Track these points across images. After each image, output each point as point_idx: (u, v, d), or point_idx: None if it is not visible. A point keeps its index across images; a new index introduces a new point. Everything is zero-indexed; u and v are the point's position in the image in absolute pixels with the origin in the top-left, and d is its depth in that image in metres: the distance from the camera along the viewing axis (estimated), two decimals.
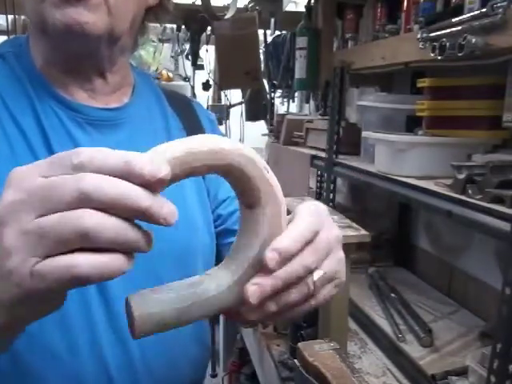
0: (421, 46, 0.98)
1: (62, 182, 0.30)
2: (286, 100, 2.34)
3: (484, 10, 0.79)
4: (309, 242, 0.41)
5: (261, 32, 2.10)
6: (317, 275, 0.41)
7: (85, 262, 0.30)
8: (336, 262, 0.44)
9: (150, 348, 0.59)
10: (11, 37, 0.72)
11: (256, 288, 0.38)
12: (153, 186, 0.31)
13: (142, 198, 0.31)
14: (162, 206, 0.31)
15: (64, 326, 0.55)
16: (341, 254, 0.46)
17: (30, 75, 0.61)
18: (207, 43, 2.31)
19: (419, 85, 1.11)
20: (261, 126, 2.57)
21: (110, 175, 0.31)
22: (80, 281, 0.31)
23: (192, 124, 0.75)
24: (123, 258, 0.32)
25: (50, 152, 0.58)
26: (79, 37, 0.56)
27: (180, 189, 0.65)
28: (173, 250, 0.61)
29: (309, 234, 0.40)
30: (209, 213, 0.72)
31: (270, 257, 0.38)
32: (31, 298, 0.32)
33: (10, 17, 1.96)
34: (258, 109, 2.45)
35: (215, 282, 0.40)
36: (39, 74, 0.61)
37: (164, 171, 0.31)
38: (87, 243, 0.30)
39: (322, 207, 0.45)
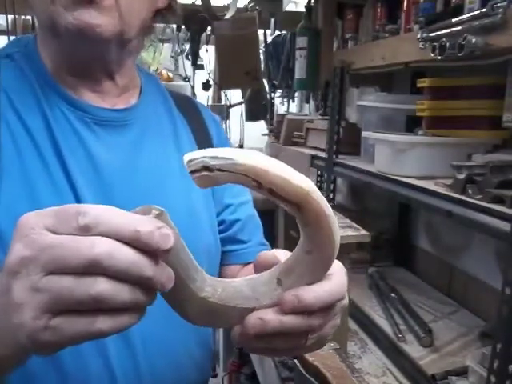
0: (421, 46, 0.97)
1: (74, 246, 0.32)
2: (286, 100, 2.34)
3: (484, 10, 0.79)
4: (328, 307, 0.41)
5: (261, 32, 2.10)
6: (312, 335, 0.41)
7: (103, 322, 0.33)
8: (332, 326, 0.44)
9: (154, 349, 0.59)
10: (15, 37, 0.72)
11: (259, 322, 0.38)
12: (156, 254, 0.33)
13: (146, 270, 0.33)
14: (162, 275, 0.34)
15: None
16: (338, 322, 0.46)
17: (38, 75, 0.61)
18: (207, 43, 2.31)
19: (419, 85, 1.11)
20: (261, 126, 2.57)
21: (117, 240, 0.32)
22: (97, 337, 0.33)
23: (198, 125, 0.75)
24: (136, 313, 0.34)
25: (57, 152, 0.58)
26: (90, 39, 0.56)
27: (186, 188, 0.66)
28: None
29: (333, 301, 0.41)
30: (213, 214, 0.72)
31: (289, 300, 0.38)
32: (44, 346, 0.34)
33: (10, 17, 1.96)
34: (258, 109, 2.44)
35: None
36: (48, 75, 0.61)
37: (169, 244, 0.33)
38: (101, 306, 0.32)
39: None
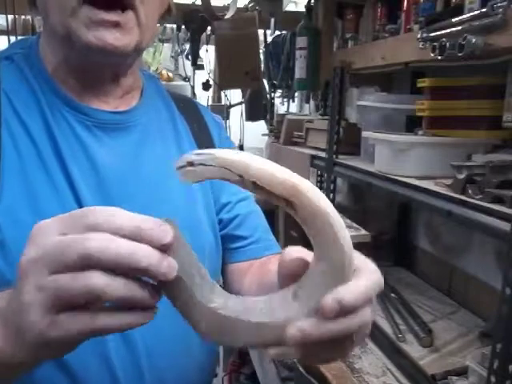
0: (421, 46, 0.97)
1: (71, 242, 0.33)
2: (286, 100, 2.34)
3: (484, 9, 0.79)
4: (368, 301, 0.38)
5: (261, 32, 2.10)
6: (358, 333, 0.38)
7: (104, 318, 0.34)
8: (372, 316, 0.40)
9: (156, 350, 0.59)
10: (20, 38, 0.72)
11: (299, 334, 0.35)
12: (160, 248, 0.35)
13: (142, 260, 0.33)
14: (161, 264, 0.34)
15: None
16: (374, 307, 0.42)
17: (39, 77, 0.60)
18: (207, 43, 2.31)
19: (419, 85, 1.11)
20: (261, 126, 2.57)
21: (120, 236, 0.34)
22: (100, 333, 0.35)
23: (199, 127, 0.75)
24: (142, 314, 0.36)
25: (58, 155, 0.57)
26: (110, 56, 0.56)
27: (187, 190, 0.66)
28: None
29: (371, 293, 0.38)
30: (213, 213, 0.71)
31: (330, 306, 0.35)
32: (53, 344, 0.35)
33: (10, 17, 1.96)
34: (258, 109, 2.44)
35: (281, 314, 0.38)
36: (49, 77, 0.61)
37: (169, 237, 0.34)
38: (101, 301, 0.34)
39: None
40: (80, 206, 0.57)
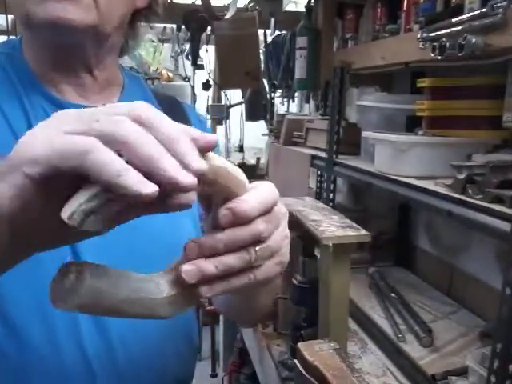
0: (421, 46, 0.98)
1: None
2: (286, 100, 2.34)
3: (484, 9, 0.79)
4: (265, 212, 0.38)
5: (261, 32, 2.10)
6: (259, 245, 0.38)
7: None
8: (281, 237, 0.41)
9: (133, 344, 0.60)
10: (9, 38, 0.72)
11: (194, 245, 0.36)
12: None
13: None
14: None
15: (46, 322, 0.55)
16: (287, 231, 0.42)
17: (21, 75, 0.61)
18: (207, 43, 2.31)
19: (419, 85, 1.11)
20: (261, 126, 2.58)
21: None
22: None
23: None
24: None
25: None
26: (64, 31, 0.56)
27: None
28: (160, 250, 0.61)
29: (268, 204, 0.38)
30: (196, 218, 0.72)
31: (224, 213, 0.35)
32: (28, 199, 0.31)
33: (10, 17, 1.96)
34: (258, 109, 2.45)
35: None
36: (30, 74, 0.62)
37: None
38: None
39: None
40: None
